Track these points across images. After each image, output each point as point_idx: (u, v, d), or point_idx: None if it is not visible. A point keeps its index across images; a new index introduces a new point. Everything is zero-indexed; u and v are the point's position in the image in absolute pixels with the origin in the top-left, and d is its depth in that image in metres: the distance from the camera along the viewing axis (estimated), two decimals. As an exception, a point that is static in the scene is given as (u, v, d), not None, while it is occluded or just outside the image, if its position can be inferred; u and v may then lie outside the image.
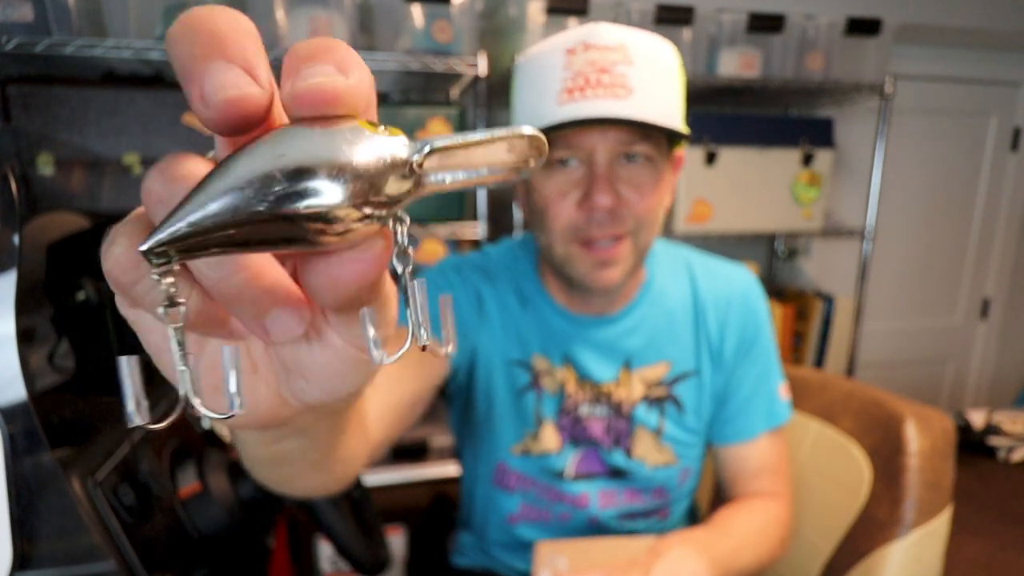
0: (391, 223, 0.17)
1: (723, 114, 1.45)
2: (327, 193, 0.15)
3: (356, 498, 0.74)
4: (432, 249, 1.36)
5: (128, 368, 0.15)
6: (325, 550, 1.18)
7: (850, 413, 0.80)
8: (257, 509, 0.62)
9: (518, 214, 1.31)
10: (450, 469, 1.24)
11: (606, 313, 0.71)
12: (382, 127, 0.16)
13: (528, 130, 0.17)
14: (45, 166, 0.91)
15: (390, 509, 1.18)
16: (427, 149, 0.16)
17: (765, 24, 1.41)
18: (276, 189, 0.14)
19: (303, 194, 0.14)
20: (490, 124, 1.47)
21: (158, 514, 0.51)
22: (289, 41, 1.15)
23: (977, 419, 1.60)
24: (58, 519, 0.42)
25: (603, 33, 0.57)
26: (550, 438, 0.71)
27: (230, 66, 0.15)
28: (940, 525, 0.72)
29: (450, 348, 0.19)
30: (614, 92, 0.55)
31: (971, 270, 2.22)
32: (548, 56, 0.59)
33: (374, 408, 0.54)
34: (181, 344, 0.16)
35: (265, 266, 0.18)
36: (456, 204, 1.30)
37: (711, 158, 1.44)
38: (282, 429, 0.24)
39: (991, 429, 1.56)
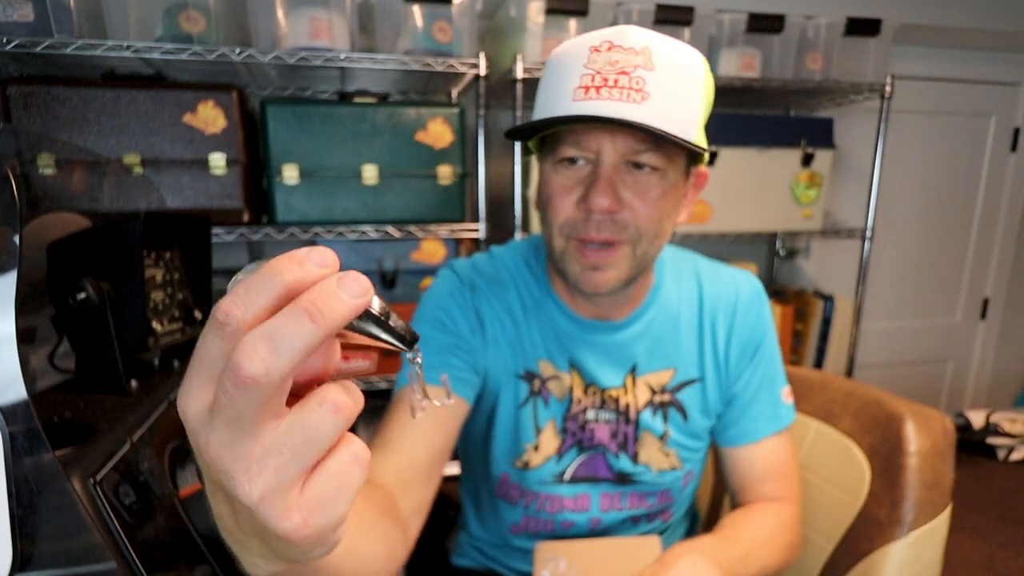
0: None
1: (723, 114, 1.45)
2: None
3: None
4: (432, 249, 1.36)
5: None
6: (325, 550, 1.18)
7: (850, 413, 0.80)
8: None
9: (518, 215, 1.31)
10: (450, 469, 1.24)
11: (613, 318, 0.70)
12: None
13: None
14: (45, 166, 0.91)
15: (390, 509, 1.17)
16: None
17: (765, 24, 1.41)
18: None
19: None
20: (489, 124, 1.47)
21: (158, 514, 0.51)
22: (289, 41, 1.15)
23: (977, 419, 1.60)
24: (58, 519, 0.42)
25: (630, 35, 0.56)
26: (550, 442, 0.71)
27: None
28: (939, 525, 0.72)
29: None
30: (629, 95, 0.54)
31: (971, 270, 2.22)
32: (574, 52, 0.57)
33: (408, 473, 0.60)
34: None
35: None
36: (456, 205, 1.30)
37: (711, 158, 1.44)
38: None
39: (991, 429, 1.56)
